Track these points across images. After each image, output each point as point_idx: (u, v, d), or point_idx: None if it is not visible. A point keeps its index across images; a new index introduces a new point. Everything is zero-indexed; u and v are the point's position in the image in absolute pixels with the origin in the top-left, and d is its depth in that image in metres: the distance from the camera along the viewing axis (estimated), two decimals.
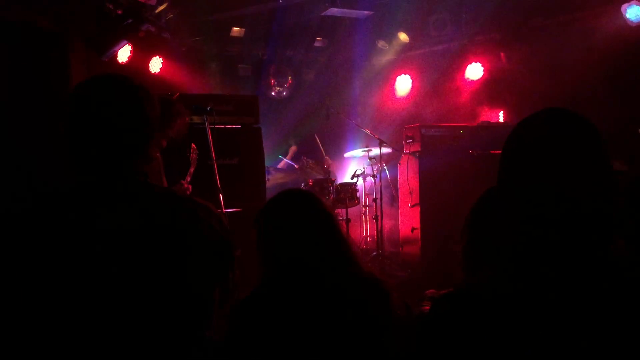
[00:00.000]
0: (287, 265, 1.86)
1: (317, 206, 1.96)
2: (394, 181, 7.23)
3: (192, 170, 4.79)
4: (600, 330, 1.11)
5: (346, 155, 8.03)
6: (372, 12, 7.39)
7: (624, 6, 5.90)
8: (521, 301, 1.14)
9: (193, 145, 4.81)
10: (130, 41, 6.02)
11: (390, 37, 7.89)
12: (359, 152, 7.51)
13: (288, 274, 1.85)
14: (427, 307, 2.00)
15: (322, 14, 7.32)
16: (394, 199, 7.37)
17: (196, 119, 4.97)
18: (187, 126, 4.61)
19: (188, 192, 4.61)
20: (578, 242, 1.15)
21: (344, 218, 6.93)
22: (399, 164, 6.94)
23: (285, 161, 7.87)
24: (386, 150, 7.25)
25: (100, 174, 1.53)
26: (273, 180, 7.44)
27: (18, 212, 1.52)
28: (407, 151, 6.81)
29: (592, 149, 1.18)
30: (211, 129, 4.78)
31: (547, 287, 1.15)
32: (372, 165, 7.38)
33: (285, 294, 1.82)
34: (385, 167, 7.33)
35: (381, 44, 8.01)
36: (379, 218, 7.11)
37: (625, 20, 5.94)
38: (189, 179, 4.75)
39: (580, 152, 1.17)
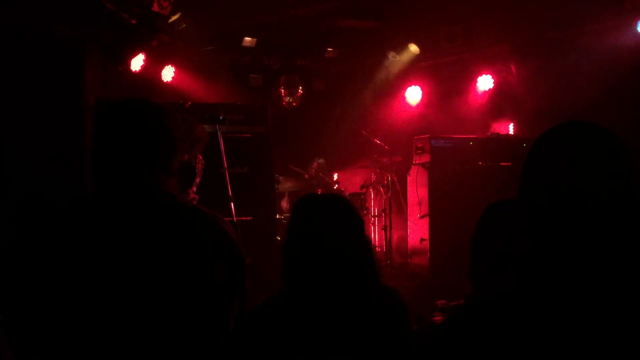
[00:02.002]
0: (313, 268, 1.84)
1: (352, 210, 1.97)
2: (403, 192, 7.23)
3: (197, 180, 4.81)
4: (617, 345, 1.11)
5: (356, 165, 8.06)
6: (382, 23, 7.43)
7: (638, 21, 5.91)
8: (537, 315, 1.14)
9: (199, 155, 4.85)
10: (143, 50, 6.09)
11: (401, 48, 7.92)
12: (368, 162, 7.54)
13: (311, 278, 1.84)
14: (438, 318, 2.01)
15: (333, 24, 7.38)
16: (402, 210, 7.37)
17: (208, 128, 5.01)
18: (206, 135, 4.66)
19: (194, 202, 4.64)
20: (599, 254, 1.15)
21: None
22: (408, 174, 6.94)
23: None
24: (395, 160, 7.26)
25: (129, 185, 1.63)
26: (282, 189, 7.47)
27: (50, 218, 1.62)
28: (417, 162, 6.81)
29: (616, 161, 1.17)
30: (223, 137, 4.82)
31: (562, 301, 1.14)
32: (381, 175, 7.39)
33: (306, 302, 1.81)
34: (395, 178, 7.34)
35: (392, 54, 8.04)
36: (388, 229, 7.11)
37: (638, 33, 5.94)
38: (194, 189, 4.78)
39: (603, 164, 1.17)
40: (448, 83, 7.94)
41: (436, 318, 2.04)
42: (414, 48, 7.79)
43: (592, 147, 1.18)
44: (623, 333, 1.11)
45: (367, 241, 1.95)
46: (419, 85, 8.18)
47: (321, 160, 7.68)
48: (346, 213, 1.93)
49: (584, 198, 1.15)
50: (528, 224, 1.21)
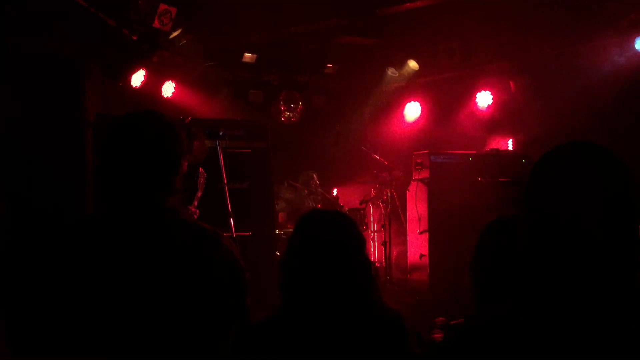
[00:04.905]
0: (311, 288, 1.83)
1: (354, 228, 1.96)
2: (403, 207, 7.23)
3: (199, 194, 4.80)
4: None
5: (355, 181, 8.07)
6: (381, 39, 7.48)
7: (636, 38, 5.96)
8: (539, 335, 1.14)
9: (201, 169, 4.85)
10: (144, 66, 6.13)
11: (400, 64, 7.97)
12: (368, 177, 7.56)
13: (310, 296, 1.82)
14: (438, 336, 2.00)
15: (333, 41, 7.43)
16: (402, 225, 7.36)
17: (208, 144, 5.03)
18: (205, 149, 4.67)
19: (195, 217, 4.63)
20: (598, 277, 1.15)
21: None
22: (408, 190, 6.94)
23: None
24: (395, 176, 7.27)
25: (132, 203, 1.64)
26: (281, 204, 7.47)
27: (58, 235, 1.63)
28: (416, 177, 6.82)
29: (620, 184, 1.17)
30: (223, 153, 4.83)
31: (563, 323, 1.14)
32: (380, 191, 7.39)
33: (303, 323, 1.80)
34: (394, 193, 7.34)
35: (391, 71, 8.08)
36: (387, 244, 7.10)
37: (635, 51, 5.98)
38: (196, 204, 4.77)
39: (606, 188, 1.16)
40: (447, 99, 7.97)
41: (436, 335, 2.03)
42: (413, 64, 7.83)
43: (596, 170, 1.18)
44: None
45: (367, 260, 1.94)
46: (418, 101, 8.21)
47: (312, 174, 7.67)
48: (347, 231, 1.93)
49: (587, 223, 1.15)
50: (530, 248, 1.21)
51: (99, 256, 1.55)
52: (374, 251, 7.94)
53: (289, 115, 8.34)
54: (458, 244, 5.11)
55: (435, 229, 6.50)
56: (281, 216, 7.47)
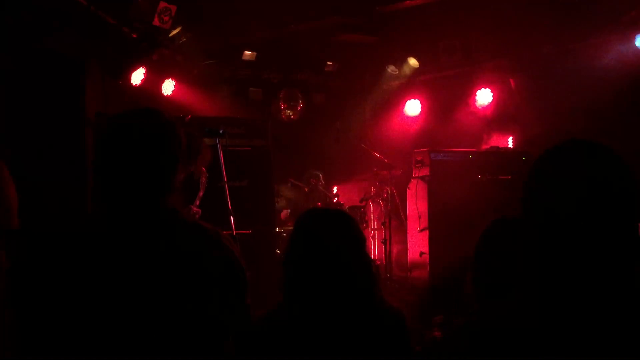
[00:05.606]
0: (314, 284, 1.83)
1: (355, 227, 1.96)
2: (403, 205, 7.23)
3: (201, 194, 4.80)
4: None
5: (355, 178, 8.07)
6: (381, 37, 7.48)
7: (636, 36, 5.96)
8: (541, 332, 1.14)
9: (203, 169, 4.85)
10: (144, 64, 6.12)
11: (400, 61, 7.97)
12: (368, 175, 7.56)
13: (313, 294, 1.83)
14: (437, 334, 2.00)
15: (333, 39, 7.43)
16: (402, 223, 7.37)
17: (208, 142, 5.03)
18: (209, 159, 4.68)
19: (197, 216, 4.63)
20: (601, 272, 1.15)
21: None
22: (408, 188, 6.94)
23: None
24: (395, 174, 7.27)
25: (131, 203, 1.63)
26: (281, 202, 7.47)
27: (57, 235, 1.63)
28: (416, 175, 6.82)
29: (618, 182, 1.17)
30: (223, 151, 4.83)
31: (568, 318, 1.14)
32: (380, 188, 7.39)
33: (306, 320, 1.80)
34: (394, 191, 7.34)
35: (391, 68, 8.08)
36: (387, 242, 7.10)
37: (636, 48, 5.98)
38: (198, 203, 4.77)
39: (606, 185, 1.16)
40: (447, 96, 7.96)
41: (435, 333, 2.04)
42: (413, 62, 7.83)
43: (596, 168, 1.18)
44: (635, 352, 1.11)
45: (369, 258, 1.94)
46: (418, 99, 8.21)
47: (315, 172, 7.67)
48: (349, 230, 1.93)
49: (587, 220, 1.16)
50: (537, 246, 1.20)
51: (99, 256, 1.55)
52: (374, 249, 7.94)
53: (289, 113, 8.34)
54: (458, 241, 5.11)
55: (435, 226, 6.51)
56: (284, 214, 7.47)
